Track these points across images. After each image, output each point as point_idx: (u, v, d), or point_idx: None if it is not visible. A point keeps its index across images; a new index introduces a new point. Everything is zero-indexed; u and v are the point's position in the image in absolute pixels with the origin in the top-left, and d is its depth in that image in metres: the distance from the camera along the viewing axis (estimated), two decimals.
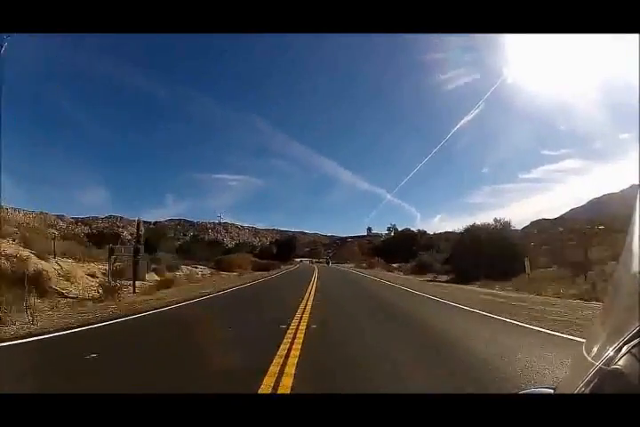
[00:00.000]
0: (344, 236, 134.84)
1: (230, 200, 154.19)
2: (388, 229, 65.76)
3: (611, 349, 0.55)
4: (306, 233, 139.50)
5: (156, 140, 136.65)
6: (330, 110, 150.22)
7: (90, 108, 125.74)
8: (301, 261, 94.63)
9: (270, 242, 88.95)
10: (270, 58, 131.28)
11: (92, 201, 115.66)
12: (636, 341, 0.51)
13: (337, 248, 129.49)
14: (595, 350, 0.61)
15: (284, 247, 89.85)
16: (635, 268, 0.54)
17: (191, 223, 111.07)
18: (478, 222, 23.60)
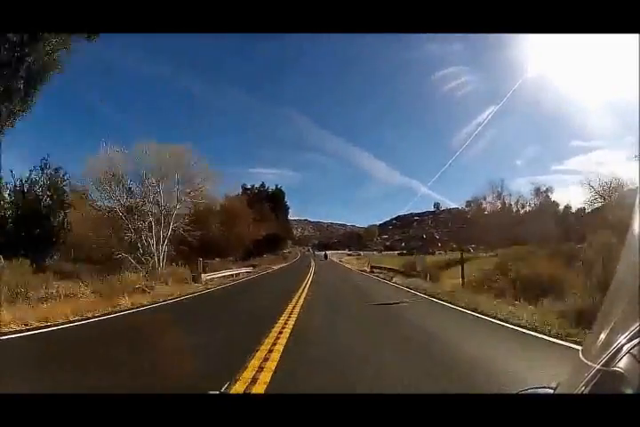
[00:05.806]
0: (394, 216, 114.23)
1: None
2: (469, 204, 38.60)
3: (611, 349, 0.54)
4: (344, 225, 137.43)
5: (192, 134, 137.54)
6: (365, 104, 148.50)
7: (119, 101, 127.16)
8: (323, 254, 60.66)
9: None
10: (306, 53, 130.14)
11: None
12: (636, 341, 0.50)
13: (402, 227, 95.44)
14: (595, 349, 0.60)
15: None
16: (635, 267, 0.53)
17: None
18: None
